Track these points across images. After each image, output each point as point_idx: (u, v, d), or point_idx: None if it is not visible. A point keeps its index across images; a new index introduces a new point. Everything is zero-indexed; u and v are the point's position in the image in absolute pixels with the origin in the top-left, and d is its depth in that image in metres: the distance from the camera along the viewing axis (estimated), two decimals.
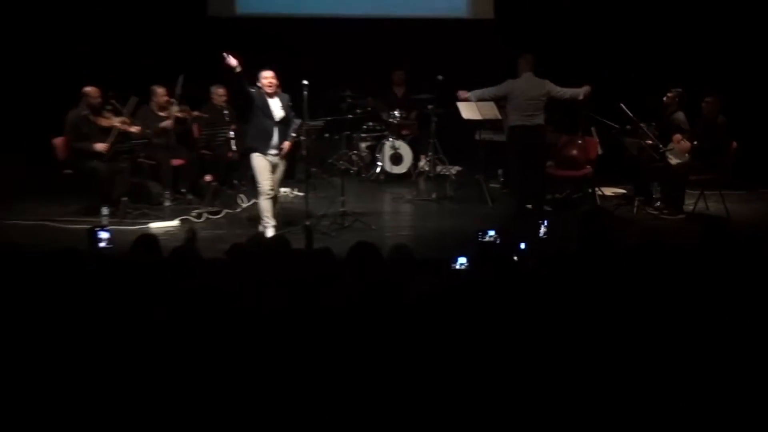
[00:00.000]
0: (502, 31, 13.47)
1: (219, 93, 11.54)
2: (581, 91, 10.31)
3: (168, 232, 9.49)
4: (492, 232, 6.73)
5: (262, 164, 9.25)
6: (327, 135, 12.61)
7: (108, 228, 7.51)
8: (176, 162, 11.26)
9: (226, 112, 11.29)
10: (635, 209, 10.43)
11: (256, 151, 9.25)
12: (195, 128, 11.58)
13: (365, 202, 11.23)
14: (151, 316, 4.53)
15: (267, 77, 9.21)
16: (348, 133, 12.80)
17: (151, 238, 6.38)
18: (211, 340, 4.22)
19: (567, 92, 10.34)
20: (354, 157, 12.97)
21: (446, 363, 3.98)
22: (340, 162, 12.50)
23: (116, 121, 10.52)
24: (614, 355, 4.07)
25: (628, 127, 10.62)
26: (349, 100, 12.73)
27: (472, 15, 14.16)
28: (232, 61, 9.03)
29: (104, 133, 10.44)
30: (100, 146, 10.30)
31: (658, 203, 10.63)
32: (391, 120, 12.82)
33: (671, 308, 4.63)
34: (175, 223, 9.98)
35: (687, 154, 10.26)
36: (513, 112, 10.43)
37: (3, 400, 3.84)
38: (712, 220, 9.54)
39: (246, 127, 9.69)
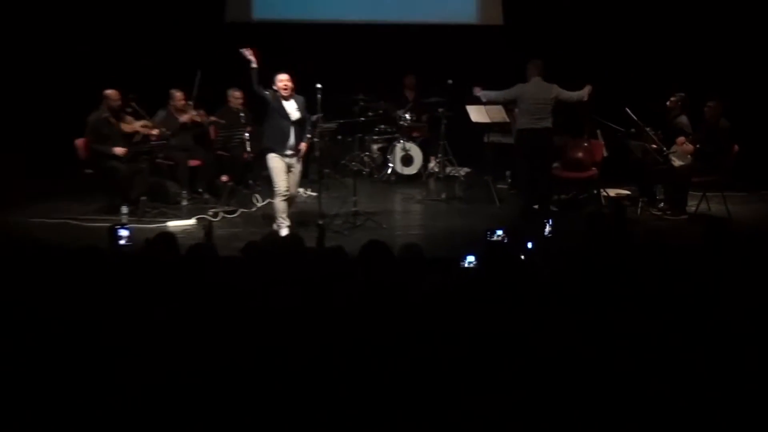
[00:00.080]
0: (511, 37, 13.45)
1: (235, 96, 11.56)
2: (585, 93, 10.32)
3: (185, 231, 9.50)
4: (500, 232, 6.73)
5: (278, 165, 9.24)
6: (340, 137, 12.62)
7: (127, 226, 7.53)
8: (193, 163, 11.29)
9: (242, 114, 11.31)
10: (639, 210, 10.41)
11: (273, 151, 9.25)
12: (211, 130, 11.61)
13: (377, 202, 11.22)
14: (167, 312, 4.54)
15: (282, 80, 9.20)
16: (360, 135, 12.80)
17: (169, 236, 6.40)
18: (225, 336, 4.23)
19: (574, 96, 10.34)
20: (366, 159, 12.97)
21: (453, 360, 3.98)
22: (353, 163, 12.51)
23: (138, 125, 10.58)
24: (618, 354, 4.07)
25: (633, 130, 10.61)
26: (362, 103, 12.76)
27: (481, 21, 14.14)
28: (249, 54, 9.06)
29: (125, 135, 10.51)
30: (119, 150, 10.36)
31: (662, 204, 10.61)
32: (402, 122, 12.82)
33: (674, 306, 4.63)
34: (192, 221, 10.00)
35: (689, 156, 10.24)
36: (522, 116, 10.43)
37: (27, 390, 3.85)
38: (714, 221, 9.53)
39: (262, 128, 9.71)
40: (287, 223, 9.33)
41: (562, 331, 4.25)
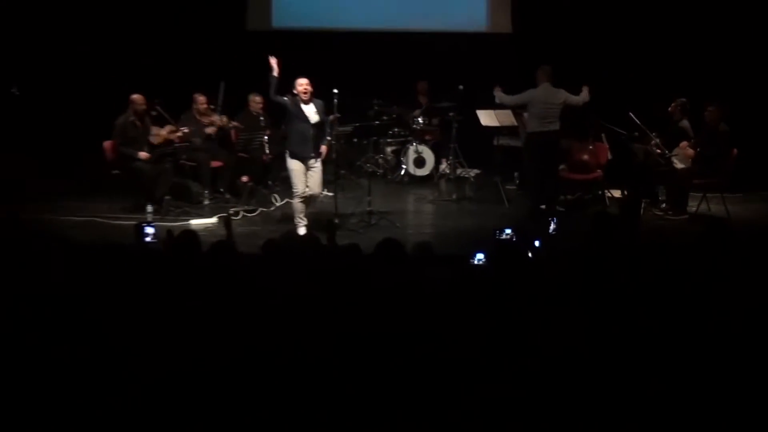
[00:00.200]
0: (519, 45, 13.43)
1: (256, 101, 11.59)
2: (586, 93, 10.36)
3: (207, 229, 9.51)
4: (508, 230, 6.71)
5: (297, 168, 9.25)
6: (355, 140, 12.62)
7: (153, 224, 7.54)
8: (215, 164, 11.30)
9: (261, 118, 11.44)
10: (642, 210, 10.38)
11: (295, 155, 9.25)
12: (232, 133, 11.62)
13: (390, 202, 11.22)
14: (188, 305, 4.54)
15: (302, 84, 9.20)
16: (375, 138, 12.80)
17: (191, 234, 6.41)
18: (240, 331, 4.22)
19: (579, 99, 10.35)
20: (380, 160, 12.97)
21: (461, 357, 3.96)
22: (368, 165, 12.50)
23: (165, 132, 10.63)
24: (618, 350, 4.05)
25: (636, 134, 10.60)
26: (376, 108, 12.79)
27: (491, 29, 14.11)
28: (274, 63, 9.06)
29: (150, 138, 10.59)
30: (143, 155, 10.40)
31: (664, 205, 10.61)
32: (414, 126, 12.82)
33: (674, 303, 4.61)
34: (214, 220, 10.00)
35: (690, 159, 10.21)
36: (532, 119, 10.42)
37: (52, 377, 3.86)
38: (714, 221, 9.52)
39: (280, 131, 9.72)
40: (305, 222, 9.34)
41: (565, 328, 4.23)
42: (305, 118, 9.18)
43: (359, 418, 3.63)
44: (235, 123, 11.52)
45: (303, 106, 9.19)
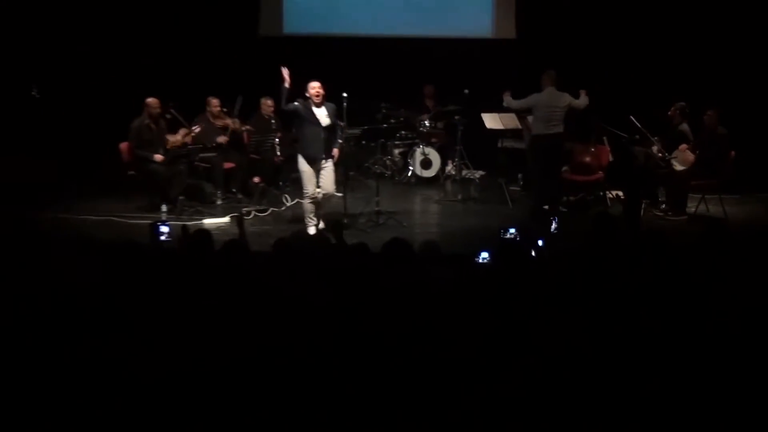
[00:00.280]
0: (523, 50, 13.41)
1: (267, 104, 11.61)
2: (585, 98, 10.40)
3: (220, 228, 9.52)
4: (512, 230, 6.69)
5: (307, 170, 9.24)
6: (364, 142, 12.60)
7: (167, 223, 7.54)
8: (228, 165, 11.32)
9: (273, 121, 11.49)
10: (642, 211, 10.35)
11: (307, 158, 9.25)
12: (245, 135, 11.63)
13: (398, 203, 11.21)
14: (201, 302, 4.55)
15: (314, 87, 9.20)
16: (383, 140, 12.77)
17: (204, 232, 6.42)
18: (252, 326, 4.22)
19: (581, 103, 10.36)
20: (388, 162, 12.96)
21: (464, 355, 3.96)
22: (376, 166, 12.48)
23: (180, 136, 10.65)
24: (619, 347, 4.04)
25: (637, 136, 10.59)
26: (384, 111, 12.79)
27: (495, 35, 14.09)
28: (286, 74, 9.06)
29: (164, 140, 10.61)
30: (158, 157, 10.44)
31: (663, 206, 10.59)
32: (421, 129, 12.82)
33: (674, 301, 4.60)
34: (226, 219, 10.00)
35: (691, 157, 10.20)
36: (537, 122, 10.42)
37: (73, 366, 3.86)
38: (713, 221, 9.53)
39: (291, 134, 9.72)
40: (314, 222, 9.35)
41: (567, 326, 4.23)
42: (317, 122, 9.18)
43: (368, 416, 3.63)
44: (247, 126, 11.54)
45: (315, 110, 9.18)
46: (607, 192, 11.17)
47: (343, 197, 10.12)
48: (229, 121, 11.34)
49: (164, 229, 6.88)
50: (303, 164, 9.26)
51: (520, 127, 11.43)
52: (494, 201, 11.37)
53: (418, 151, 12.67)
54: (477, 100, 11.55)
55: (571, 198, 11.17)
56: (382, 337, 4.10)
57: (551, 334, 4.13)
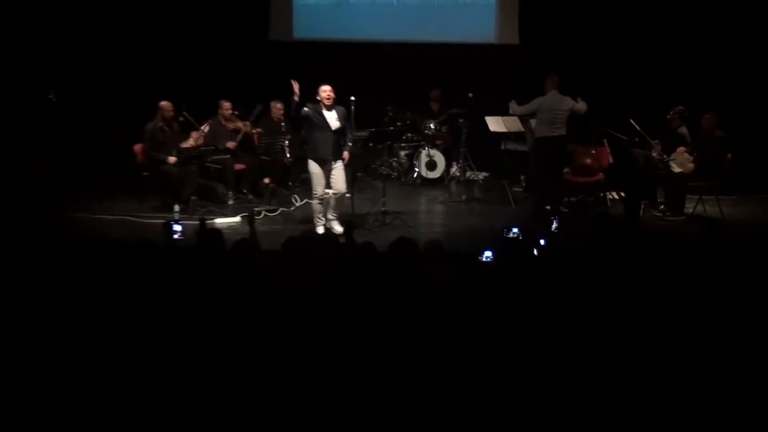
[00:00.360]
0: (526, 55, 13.41)
1: (277, 107, 11.62)
2: (584, 104, 10.39)
3: (231, 227, 9.52)
4: (515, 229, 6.69)
5: (317, 172, 9.24)
6: (371, 144, 12.62)
7: (180, 222, 7.55)
8: (239, 166, 11.32)
9: (282, 123, 11.50)
10: (641, 212, 10.34)
11: (316, 160, 9.25)
12: (255, 137, 11.65)
13: (404, 203, 11.20)
14: (214, 298, 4.55)
15: (326, 90, 9.20)
16: (389, 142, 12.80)
17: (216, 232, 6.43)
18: (261, 323, 4.22)
19: (582, 108, 10.35)
20: (394, 164, 12.97)
21: (471, 348, 3.96)
22: (382, 168, 12.52)
23: (193, 140, 10.67)
24: (618, 345, 4.03)
25: (636, 139, 10.59)
26: (391, 114, 12.79)
27: (499, 41, 14.08)
28: (296, 87, 9.07)
29: (180, 143, 10.63)
30: (172, 159, 10.46)
31: (662, 206, 10.58)
32: (427, 131, 12.82)
33: (673, 299, 4.59)
34: (237, 219, 10.01)
35: (691, 165, 10.17)
36: (541, 125, 10.42)
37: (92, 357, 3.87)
38: (710, 222, 9.52)
39: (300, 136, 9.72)
40: (323, 222, 9.35)
41: (568, 323, 4.22)
42: (327, 126, 9.17)
43: (373, 413, 3.62)
44: (257, 129, 11.56)
45: (325, 113, 9.17)
46: (608, 193, 11.16)
47: (351, 198, 10.12)
48: (240, 124, 11.38)
49: (177, 227, 6.90)
50: (313, 166, 9.26)
51: (522, 130, 11.43)
52: (497, 201, 11.37)
53: (424, 153, 12.67)
54: (481, 103, 11.55)
55: (572, 199, 11.16)
56: (387, 332, 4.10)
57: (553, 331, 4.12)
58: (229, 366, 3.81)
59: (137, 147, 10.77)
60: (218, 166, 11.16)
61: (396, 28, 13.99)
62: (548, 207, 10.27)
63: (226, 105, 11.41)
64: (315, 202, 9.35)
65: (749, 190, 11.37)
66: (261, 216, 10.16)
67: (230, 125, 11.36)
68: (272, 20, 14.05)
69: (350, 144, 9.71)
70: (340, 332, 4.13)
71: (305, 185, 10.20)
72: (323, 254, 5.79)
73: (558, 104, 10.29)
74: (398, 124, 12.90)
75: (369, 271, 5.21)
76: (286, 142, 11.33)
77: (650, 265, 5.29)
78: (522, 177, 12.21)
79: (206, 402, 3.65)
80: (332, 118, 9.20)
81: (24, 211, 9.59)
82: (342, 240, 8.22)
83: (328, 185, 9.31)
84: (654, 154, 10.47)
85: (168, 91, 11.04)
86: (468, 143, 12.07)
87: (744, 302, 4.44)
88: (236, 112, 11.44)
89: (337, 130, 9.24)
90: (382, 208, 10.12)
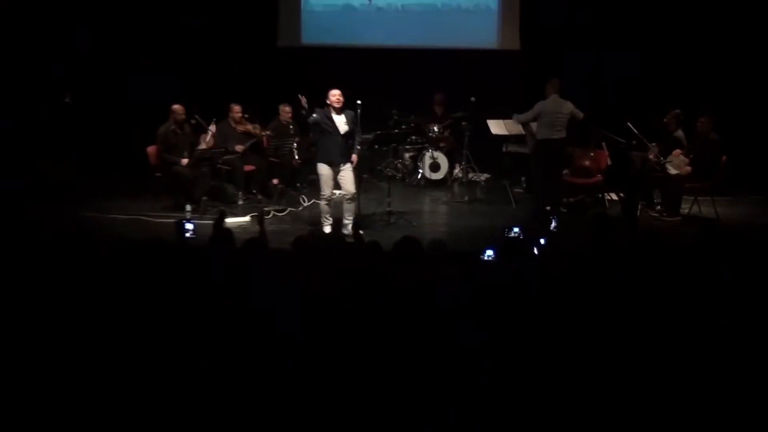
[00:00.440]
0: (527, 60, 13.42)
1: (285, 110, 11.64)
2: (579, 112, 10.38)
3: (241, 227, 9.52)
4: (516, 229, 6.69)
5: (325, 174, 9.23)
6: (376, 146, 12.61)
7: (192, 221, 7.56)
8: (248, 168, 11.33)
9: (291, 126, 11.52)
10: (638, 212, 10.33)
11: (324, 163, 9.24)
12: (264, 139, 11.67)
13: (408, 203, 11.20)
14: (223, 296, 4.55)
15: (335, 94, 9.19)
16: (394, 144, 12.81)
17: (226, 231, 6.43)
18: (268, 321, 4.22)
19: (579, 115, 10.34)
20: (399, 165, 12.98)
21: (473, 347, 3.95)
22: (387, 169, 12.53)
23: (204, 144, 10.70)
24: (618, 344, 4.02)
25: (634, 142, 10.57)
26: (396, 117, 12.82)
27: (501, 46, 14.09)
28: (303, 102, 9.09)
29: (192, 145, 10.68)
30: (184, 161, 10.49)
31: (659, 207, 10.57)
32: (431, 134, 12.82)
33: (670, 297, 4.58)
34: (247, 219, 10.02)
35: (689, 167, 10.16)
36: (542, 128, 10.39)
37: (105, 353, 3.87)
38: (705, 222, 9.50)
39: (308, 139, 9.72)
40: (330, 221, 9.35)
41: (568, 322, 4.21)
42: (335, 130, 9.15)
43: (377, 411, 3.62)
44: (267, 131, 11.58)
45: (334, 117, 9.16)
46: (606, 194, 11.15)
47: (357, 198, 10.13)
48: (250, 127, 11.40)
49: (189, 227, 6.90)
50: (322, 168, 9.24)
51: (523, 132, 11.41)
52: (499, 202, 11.37)
53: (428, 155, 12.68)
54: (483, 107, 11.55)
55: (571, 199, 11.15)
56: (392, 328, 4.09)
57: (552, 328, 4.12)
58: (236, 364, 3.80)
59: (150, 149, 10.79)
60: (228, 168, 11.17)
61: (401, 34, 14.02)
62: (548, 207, 10.27)
63: (236, 108, 11.43)
64: (322, 203, 9.36)
65: (743, 191, 11.35)
66: (270, 216, 10.16)
67: (240, 128, 11.38)
68: (281, 26, 14.09)
69: (359, 147, 9.70)
70: (348, 328, 4.12)
71: (313, 186, 10.20)
72: (331, 253, 5.79)
73: (559, 108, 10.28)
74: (403, 127, 12.92)
75: (375, 269, 5.21)
76: (294, 144, 11.37)
77: (647, 264, 5.29)
78: (523, 178, 12.19)
79: (215, 401, 3.64)
80: (341, 122, 9.20)
81: (41, 210, 9.61)
82: (350, 239, 8.23)
83: (336, 187, 9.31)
84: (651, 157, 10.47)
85: (180, 95, 11.05)
86: (470, 146, 12.05)
87: (740, 300, 4.43)
88: (246, 115, 11.47)
89: (346, 134, 9.24)
90: (387, 209, 10.13)
